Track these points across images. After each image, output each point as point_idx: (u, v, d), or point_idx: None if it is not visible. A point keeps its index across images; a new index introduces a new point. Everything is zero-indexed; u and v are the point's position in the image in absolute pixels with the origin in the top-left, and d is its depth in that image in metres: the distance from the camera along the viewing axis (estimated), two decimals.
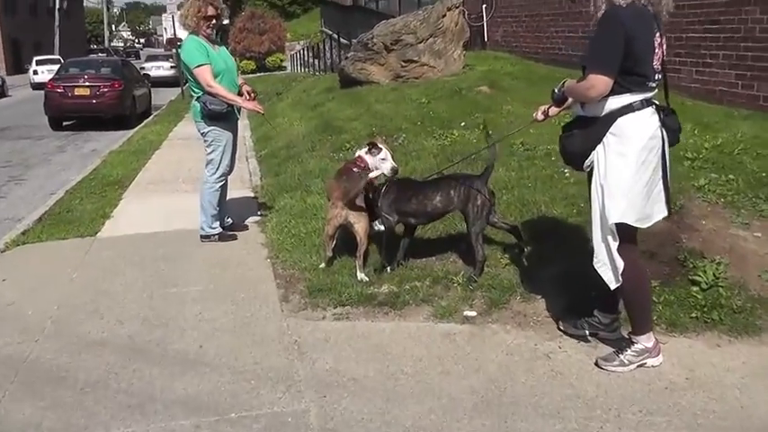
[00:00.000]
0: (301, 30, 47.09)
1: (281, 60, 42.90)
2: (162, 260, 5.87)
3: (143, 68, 34.51)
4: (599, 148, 3.47)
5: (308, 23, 48.68)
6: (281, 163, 9.58)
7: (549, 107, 3.95)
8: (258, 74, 37.51)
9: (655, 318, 4.02)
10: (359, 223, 5.00)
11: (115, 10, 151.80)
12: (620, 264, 3.50)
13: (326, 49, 27.50)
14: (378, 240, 5.22)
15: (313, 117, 12.43)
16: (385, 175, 5.04)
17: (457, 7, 13.36)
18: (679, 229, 4.86)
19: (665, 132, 3.47)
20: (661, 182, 3.54)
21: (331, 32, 28.35)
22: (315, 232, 6.05)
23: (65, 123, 18.25)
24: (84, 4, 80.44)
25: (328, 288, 4.87)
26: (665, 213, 3.64)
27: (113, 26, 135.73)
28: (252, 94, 6.36)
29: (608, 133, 3.43)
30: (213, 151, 6.22)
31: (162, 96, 25.33)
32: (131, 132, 15.62)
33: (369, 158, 5.26)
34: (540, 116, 4.03)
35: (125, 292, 5.15)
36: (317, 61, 30.35)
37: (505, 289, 4.58)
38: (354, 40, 15.18)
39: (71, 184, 9.56)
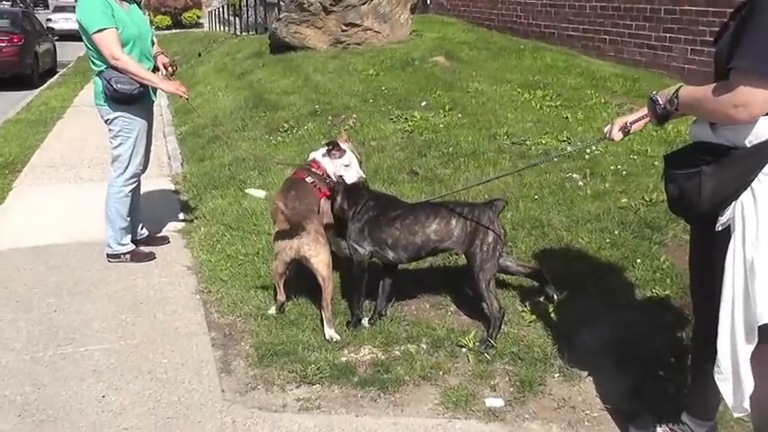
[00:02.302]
0: None
1: (198, 17, 40.25)
2: (55, 294, 4.37)
3: (50, 20, 31.85)
4: (744, 197, 2.20)
5: None
6: (205, 145, 8.09)
7: (637, 121, 2.65)
8: (173, 30, 35.01)
9: None
10: (317, 256, 3.65)
11: None
12: (750, 383, 2.26)
13: (248, 6, 25.47)
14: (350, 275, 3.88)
15: (241, 87, 10.83)
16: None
17: None
18: None
19: None
20: None
21: None
22: (258, 255, 4.66)
23: None
24: None
25: (285, 352, 3.53)
26: None
27: None
28: (171, 68, 4.89)
29: (761, 174, 2.16)
30: (120, 145, 4.74)
31: (70, 51, 22.86)
32: (32, 96, 13.68)
33: (326, 163, 3.98)
34: (616, 134, 2.71)
35: None
36: (237, 20, 28.31)
37: (537, 361, 3.32)
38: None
39: None
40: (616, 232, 4.27)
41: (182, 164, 7.69)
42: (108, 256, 4.91)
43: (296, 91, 9.34)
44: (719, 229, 2.27)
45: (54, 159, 8.16)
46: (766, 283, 2.13)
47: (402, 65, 9.80)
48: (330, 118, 7.68)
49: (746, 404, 2.25)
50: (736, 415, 2.34)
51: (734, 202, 2.21)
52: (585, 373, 3.24)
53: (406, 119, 7.26)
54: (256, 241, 4.87)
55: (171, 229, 5.54)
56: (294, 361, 3.44)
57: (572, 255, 4.15)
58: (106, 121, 4.72)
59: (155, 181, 7.00)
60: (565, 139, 6.03)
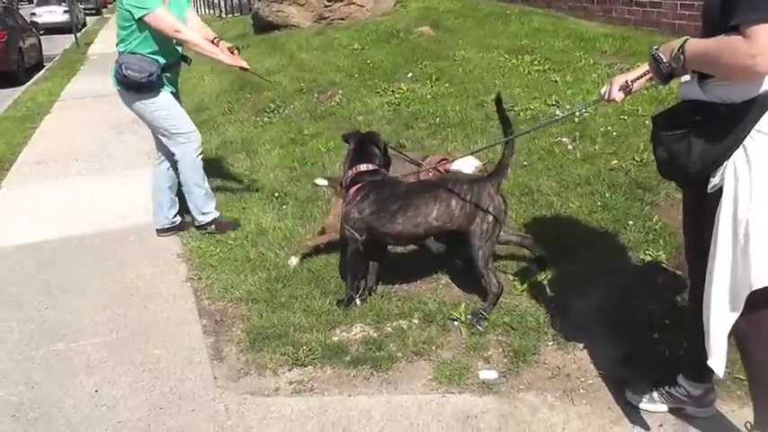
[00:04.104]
0: None
1: None
2: (46, 291, 4.33)
3: (34, 14, 31.48)
4: (736, 157, 2.11)
5: None
6: None
7: (638, 79, 2.46)
8: None
9: None
10: None
11: None
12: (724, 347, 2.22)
13: None
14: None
15: (226, 70, 10.57)
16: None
17: None
18: None
19: None
20: None
21: None
22: (247, 238, 4.62)
23: None
24: None
25: (277, 335, 3.49)
26: None
27: None
28: (236, 51, 4.72)
29: (754, 131, 2.07)
30: (158, 121, 4.62)
31: (55, 45, 22.64)
32: (19, 92, 13.53)
33: None
34: (617, 94, 2.52)
35: None
36: (221, 2, 27.97)
37: (530, 330, 3.29)
38: None
39: None
40: (607, 195, 4.22)
41: None
42: (197, 227, 4.92)
43: (281, 70, 9.24)
44: (711, 191, 2.19)
45: (42, 155, 8.05)
46: (762, 247, 2.06)
47: (387, 37, 9.69)
48: (316, 95, 7.61)
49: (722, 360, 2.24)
50: (719, 373, 2.28)
51: (726, 163, 2.12)
52: (581, 342, 3.20)
53: (392, 92, 7.18)
54: (245, 225, 4.83)
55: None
56: (286, 344, 3.41)
57: (563, 220, 4.11)
58: (129, 107, 4.65)
59: (145, 170, 6.91)
60: (554, 103, 5.96)
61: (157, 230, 5.00)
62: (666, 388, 2.75)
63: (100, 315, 3.97)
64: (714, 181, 2.17)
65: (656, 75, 2.28)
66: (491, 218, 3.34)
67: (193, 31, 4.51)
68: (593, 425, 2.73)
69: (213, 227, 4.85)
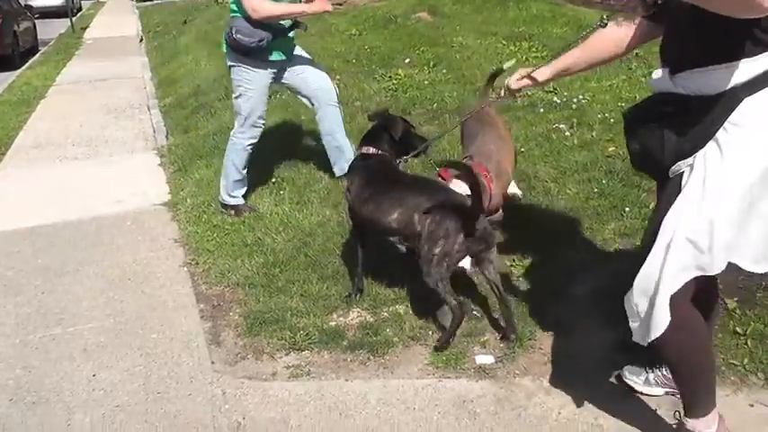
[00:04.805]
0: None
1: None
2: (43, 276, 4.32)
3: None
4: (708, 147, 2.05)
5: None
6: (189, 115, 8.00)
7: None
8: (155, 1, 34.44)
9: (745, 362, 2.87)
10: None
11: None
12: (665, 319, 2.13)
13: None
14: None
15: (223, 55, 10.64)
16: None
17: None
18: None
19: None
20: None
21: None
22: (244, 223, 4.63)
23: None
24: None
25: (274, 319, 3.51)
26: None
27: None
28: None
29: (727, 123, 2.01)
30: (239, 96, 4.62)
31: (50, 29, 22.50)
32: (14, 76, 13.46)
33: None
34: (515, 82, 2.54)
35: None
36: None
37: (526, 316, 3.30)
38: None
39: None
40: (604, 181, 4.22)
41: (166, 136, 7.58)
42: (221, 204, 4.93)
43: None
44: (674, 174, 2.15)
45: (38, 139, 8.03)
46: (722, 236, 2.02)
47: (384, 23, 9.67)
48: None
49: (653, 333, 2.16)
50: (642, 342, 2.23)
51: (696, 154, 2.07)
52: (578, 327, 3.22)
53: (389, 77, 7.17)
54: (242, 210, 4.83)
55: (157, 202, 5.48)
56: (283, 328, 3.42)
57: (560, 206, 4.12)
58: (228, 69, 4.65)
59: (141, 155, 6.96)
60: (552, 89, 5.95)
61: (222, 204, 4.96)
62: (663, 371, 2.75)
63: (97, 299, 3.97)
64: (676, 167, 2.13)
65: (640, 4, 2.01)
66: (448, 246, 3.03)
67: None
68: (589, 409, 2.75)
69: (233, 212, 4.84)
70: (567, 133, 4.95)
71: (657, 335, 2.15)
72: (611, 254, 3.68)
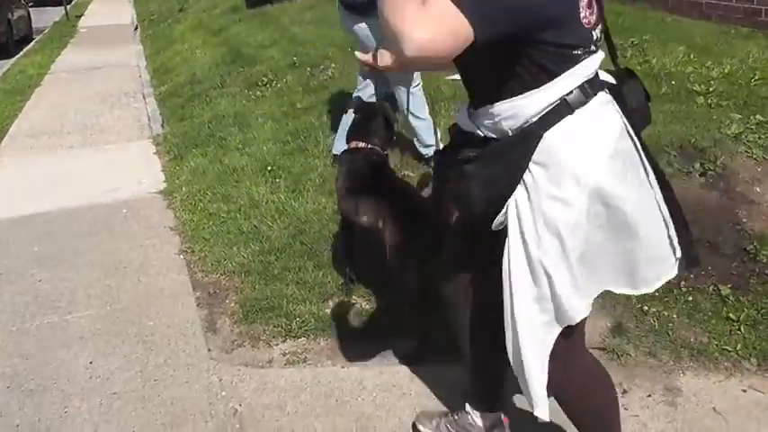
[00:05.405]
0: None
1: None
2: (39, 264, 4.32)
3: None
4: (518, 193, 1.77)
5: None
6: (185, 104, 7.97)
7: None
8: None
9: (738, 348, 2.89)
10: None
11: None
12: (541, 382, 1.88)
13: None
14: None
15: (218, 44, 10.64)
16: None
17: None
18: (732, 202, 3.66)
19: (629, 125, 1.80)
20: (661, 210, 1.84)
21: None
22: (240, 211, 4.63)
23: None
24: None
25: (270, 307, 3.52)
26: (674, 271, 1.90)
27: None
28: None
29: (531, 164, 1.74)
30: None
31: (44, 17, 22.41)
32: (8, 64, 13.40)
33: None
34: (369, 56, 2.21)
35: None
36: None
37: None
38: None
39: None
40: None
41: (162, 124, 7.57)
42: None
43: (273, 44, 9.19)
44: (499, 227, 1.85)
45: (33, 128, 8.00)
46: (565, 283, 1.76)
47: None
48: (309, 69, 7.56)
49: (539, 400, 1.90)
50: (543, 416, 1.90)
51: (508, 201, 1.79)
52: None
53: None
54: (237, 198, 4.83)
55: (153, 190, 5.48)
56: (279, 315, 3.44)
57: None
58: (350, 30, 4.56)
59: (136, 143, 6.94)
60: None
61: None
62: (455, 416, 2.59)
63: (93, 287, 3.98)
64: (500, 218, 1.83)
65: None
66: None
67: None
68: None
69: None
70: None
71: (543, 403, 1.91)
72: None
